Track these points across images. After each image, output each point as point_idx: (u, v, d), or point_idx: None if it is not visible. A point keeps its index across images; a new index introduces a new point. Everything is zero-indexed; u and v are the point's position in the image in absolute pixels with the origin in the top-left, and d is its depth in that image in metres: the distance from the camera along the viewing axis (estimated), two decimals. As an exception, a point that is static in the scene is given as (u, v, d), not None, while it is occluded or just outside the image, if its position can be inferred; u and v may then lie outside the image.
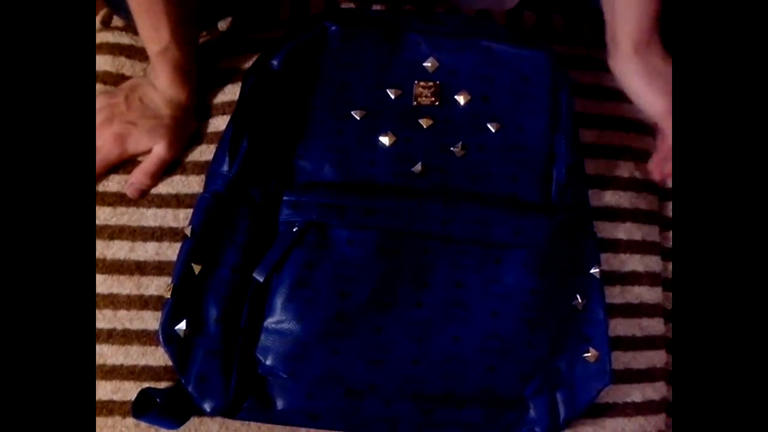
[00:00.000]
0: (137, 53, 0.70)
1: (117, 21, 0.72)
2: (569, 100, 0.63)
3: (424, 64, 0.63)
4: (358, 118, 0.62)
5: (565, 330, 0.60)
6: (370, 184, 0.60)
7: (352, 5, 0.71)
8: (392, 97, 0.62)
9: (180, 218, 0.64)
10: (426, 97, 0.63)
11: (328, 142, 0.61)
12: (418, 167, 0.61)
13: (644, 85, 0.62)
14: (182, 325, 0.56)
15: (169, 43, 0.60)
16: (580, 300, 0.60)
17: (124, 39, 0.71)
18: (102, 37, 0.71)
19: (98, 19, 0.73)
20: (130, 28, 0.71)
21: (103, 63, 0.70)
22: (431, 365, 0.57)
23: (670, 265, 0.69)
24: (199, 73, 0.67)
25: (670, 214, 0.69)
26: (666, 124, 0.63)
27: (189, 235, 0.58)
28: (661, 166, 0.67)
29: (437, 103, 0.62)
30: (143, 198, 0.65)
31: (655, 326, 0.66)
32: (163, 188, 0.65)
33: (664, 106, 0.62)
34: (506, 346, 0.58)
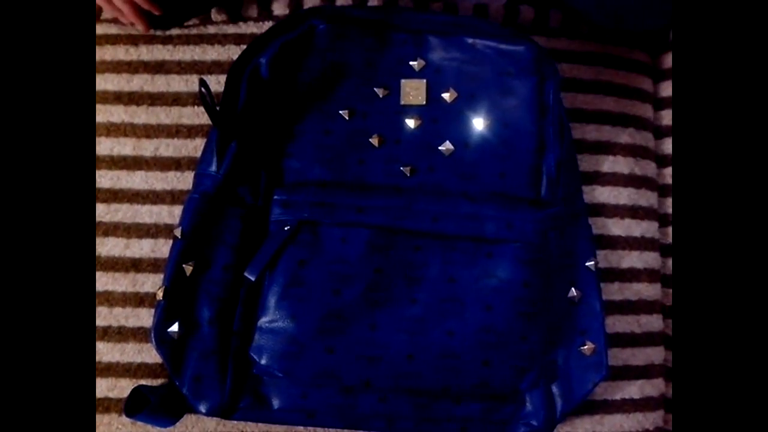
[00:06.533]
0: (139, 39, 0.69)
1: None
2: (556, 92, 0.61)
3: (411, 63, 0.63)
4: (347, 118, 0.61)
5: (561, 323, 0.59)
6: (360, 183, 0.60)
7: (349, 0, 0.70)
8: (380, 96, 0.62)
9: (175, 215, 0.64)
10: (413, 96, 0.62)
11: (317, 142, 0.61)
12: (407, 169, 0.61)
13: None
14: (175, 327, 0.56)
15: None
16: (575, 293, 0.60)
17: (125, 31, 0.69)
18: (102, 29, 0.70)
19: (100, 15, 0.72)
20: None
21: (104, 55, 0.69)
22: (426, 361, 0.57)
23: (669, 262, 0.68)
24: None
25: (671, 210, 0.69)
26: None
27: (179, 237, 0.57)
28: None
29: (424, 102, 0.62)
30: (138, 194, 0.65)
31: (654, 323, 0.66)
32: (158, 184, 0.65)
33: None
34: (501, 340, 0.57)
